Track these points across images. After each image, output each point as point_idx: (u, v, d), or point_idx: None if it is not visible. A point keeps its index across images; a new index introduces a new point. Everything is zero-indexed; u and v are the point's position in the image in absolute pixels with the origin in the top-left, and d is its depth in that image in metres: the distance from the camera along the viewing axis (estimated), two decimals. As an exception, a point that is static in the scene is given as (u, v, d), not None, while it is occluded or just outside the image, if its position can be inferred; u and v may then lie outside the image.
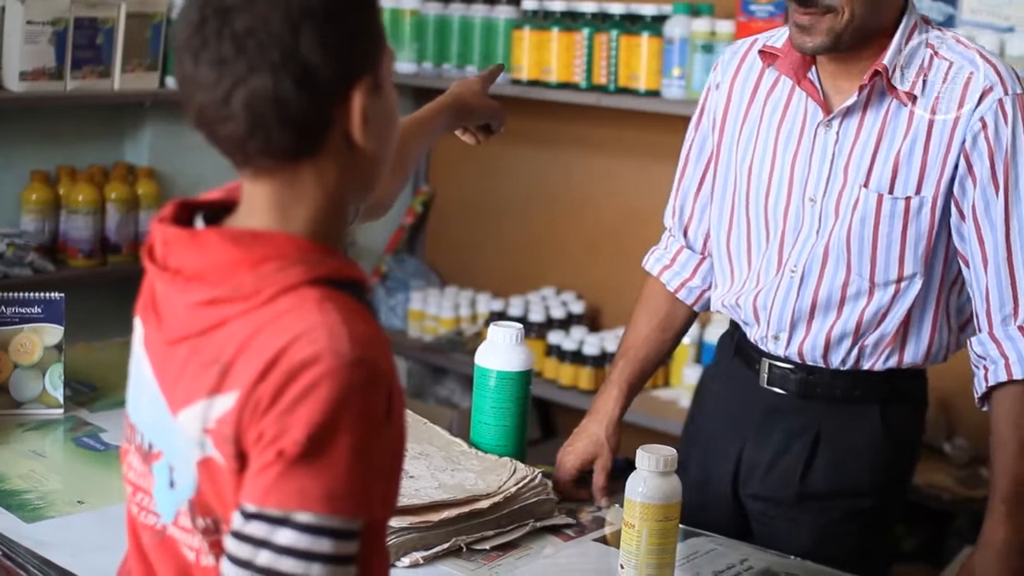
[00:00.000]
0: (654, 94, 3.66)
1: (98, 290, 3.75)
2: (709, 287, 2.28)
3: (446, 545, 1.86)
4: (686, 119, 3.76)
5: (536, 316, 4.07)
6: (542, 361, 3.99)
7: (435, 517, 1.86)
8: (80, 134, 3.94)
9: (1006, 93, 1.92)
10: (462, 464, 2.06)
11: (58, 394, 2.34)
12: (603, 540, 1.98)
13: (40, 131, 3.85)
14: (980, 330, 1.99)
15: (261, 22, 1.19)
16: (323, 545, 1.15)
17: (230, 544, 1.18)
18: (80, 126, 3.93)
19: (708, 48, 3.53)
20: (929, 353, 2.07)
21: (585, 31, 3.77)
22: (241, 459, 1.19)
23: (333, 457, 1.15)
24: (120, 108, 3.94)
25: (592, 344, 3.91)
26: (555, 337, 3.98)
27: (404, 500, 1.88)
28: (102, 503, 1.95)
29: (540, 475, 2.02)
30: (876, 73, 1.95)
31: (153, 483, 1.30)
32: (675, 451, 1.78)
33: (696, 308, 2.33)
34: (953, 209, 1.97)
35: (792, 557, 1.97)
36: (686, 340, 3.86)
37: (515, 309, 4.13)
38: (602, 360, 3.90)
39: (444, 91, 2.12)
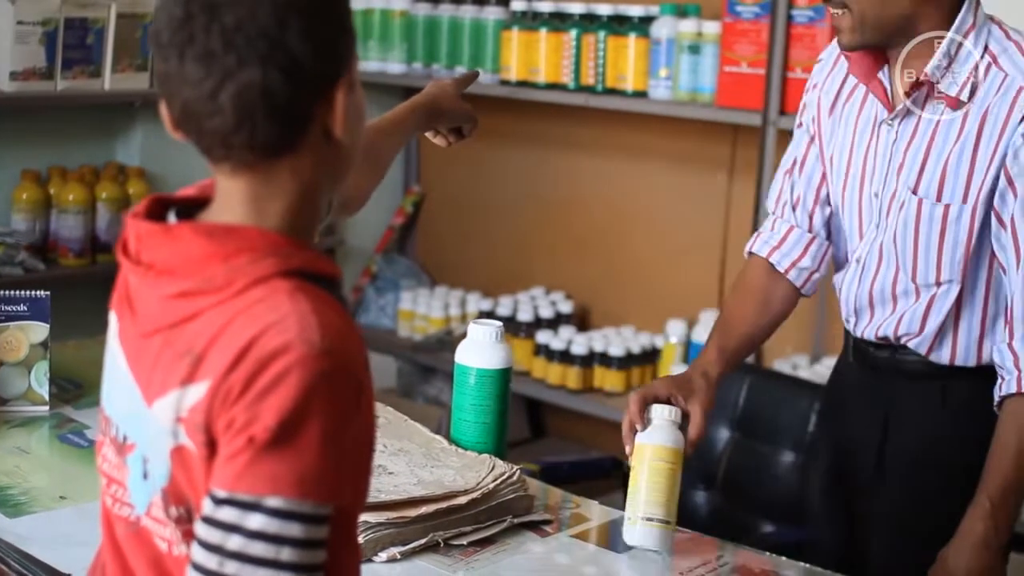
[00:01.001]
0: (641, 95, 3.68)
1: (88, 289, 3.76)
2: (818, 268, 2.25)
3: (423, 540, 1.87)
4: (673, 119, 3.81)
5: (524, 316, 4.10)
6: (530, 361, 4.01)
7: (412, 513, 1.88)
8: (71, 134, 3.96)
9: None
10: (442, 461, 2.08)
11: (43, 391, 2.35)
12: (580, 536, 2.00)
13: (31, 131, 3.87)
14: (1004, 340, 2.01)
15: (249, 16, 1.21)
16: (293, 529, 1.17)
17: (200, 529, 1.19)
18: (71, 126, 3.95)
19: (695, 49, 3.56)
20: (980, 356, 2.08)
21: (573, 32, 3.80)
22: (211, 446, 1.21)
23: (303, 443, 1.17)
24: (111, 108, 3.96)
25: (580, 344, 3.93)
26: (543, 337, 4.00)
27: (382, 496, 1.90)
28: (84, 499, 1.96)
29: (519, 471, 2.04)
30: (919, 83, 1.99)
31: (127, 474, 1.32)
32: (678, 408, 1.98)
33: (804, 291, 2.26)
34: (994, 219, 1.99)
35: (767, 554, 1.98)
36: (673, 339, 3.90)
37: (504, 308, 4.15)
38: (590, 360, 3.93)
39: None
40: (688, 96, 3.59)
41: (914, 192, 2.03)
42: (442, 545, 1.89)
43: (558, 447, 4.13)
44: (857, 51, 2.05)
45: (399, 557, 1.85)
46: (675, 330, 3.92)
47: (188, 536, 1.25)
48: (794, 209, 2.25)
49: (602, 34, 3.73)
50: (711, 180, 3.92)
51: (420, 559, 1.86)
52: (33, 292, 2.38)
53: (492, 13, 4.05)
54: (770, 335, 2.32)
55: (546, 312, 4.11)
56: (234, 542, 1.17)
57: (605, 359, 3.91)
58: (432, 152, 4.70)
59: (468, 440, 2.16)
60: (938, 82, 1.97)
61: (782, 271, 2.25)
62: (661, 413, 1.98)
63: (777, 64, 3.37)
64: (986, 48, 1.97)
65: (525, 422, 4.30)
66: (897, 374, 2.16)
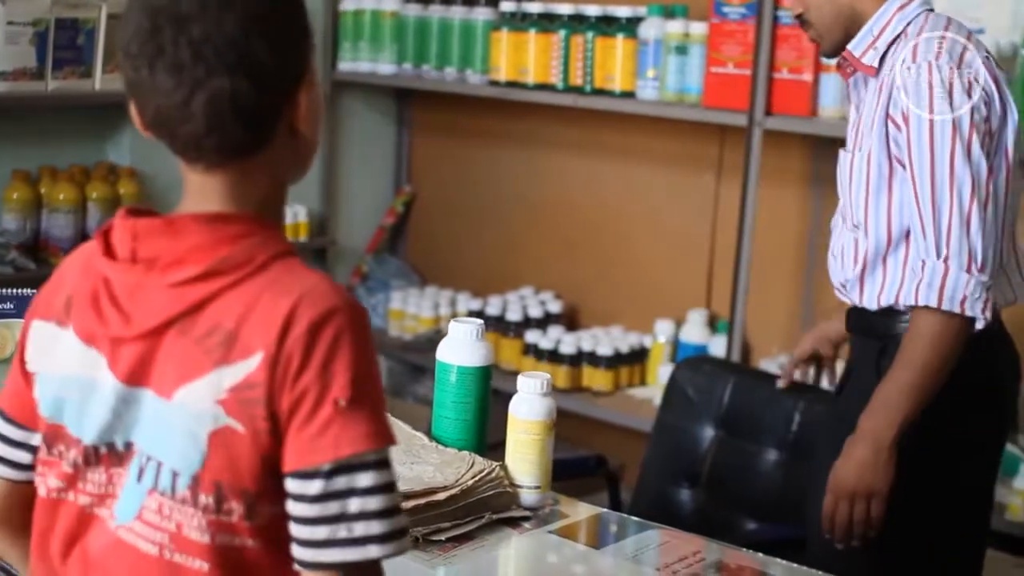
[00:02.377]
0: (629, 95, 3.70)
1: (78, 288, 3.78)
2: None
3: (402, 536, 1.89)
4: (661, 120, 3.83)
5: (513, 315, 4.11)
6: (519, 360, 4.03)
7: (391, 508, 1.89)
8: (62, 134, 3.97)
9: (914, 62, 2.18)
10: (422, 457, 2.09)
11: (28, 389, 2.36)
12: (560, 533, 2.01)
13: (21, 131, 3.88)
14: (914, 260, 2.23)
15: (216, 28, 1.27)
16: (389, 475, 1.27)
17: (308, 509, 1.25)
18: (62, 126, 3.96)
19: (682, 49, 3.57)
20: (898, 295, 2.27)
21: (561, 32, 3.81)
22: (273, 420, 1.26)
23: (373, 393, 1.27)
24: (102, 108, 3.97)
25: (568, 343, 3.95)
26: (532, 336, 4.02)
27: (361, 492, 1.91)
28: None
29: (498, 468, 2.05)
30: (843, 58, 2.32)
31: (123, 482, 1.33)
32: (549, 376, 2.10)
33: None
34: (897, 165, 2.23)
35: (744, 549, 2.00)
36: (661, 339, 3.92)
37: (493, 308, 4.16)
38: (578, 359, 3.94)
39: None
40: (675, 97, 3.61)
41: (843, 148, 2.35)
42: (420, 541, 1.90)
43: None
44: (836, 56, 2.36)
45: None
46: (663, 330, 3.94)
47: (215, 526, 1.28)
48: None
49: (590, 35, 3.75)
50: (699, 180, 3.94)
51: (398, 554, 1.87)
52: (20, 290, 2.39)
53: (481, 14, 4.07)
54: None
55: (535, 312, 4.13)
56: (354, 504, 1.24)
57: (593, 359, 3.92)
58: (423, 153, 4.73)
59: (449, 437, 2.17)
60: (861, 56, 2.28)
61: None
62: (531, 387, 2.07)
63: (763, 65, 3.38)
64: (905, 28, 2.25)
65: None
66: (855, 330, 2.41)
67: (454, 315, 4.37)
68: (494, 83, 3.99)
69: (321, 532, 1.25)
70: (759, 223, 3.54)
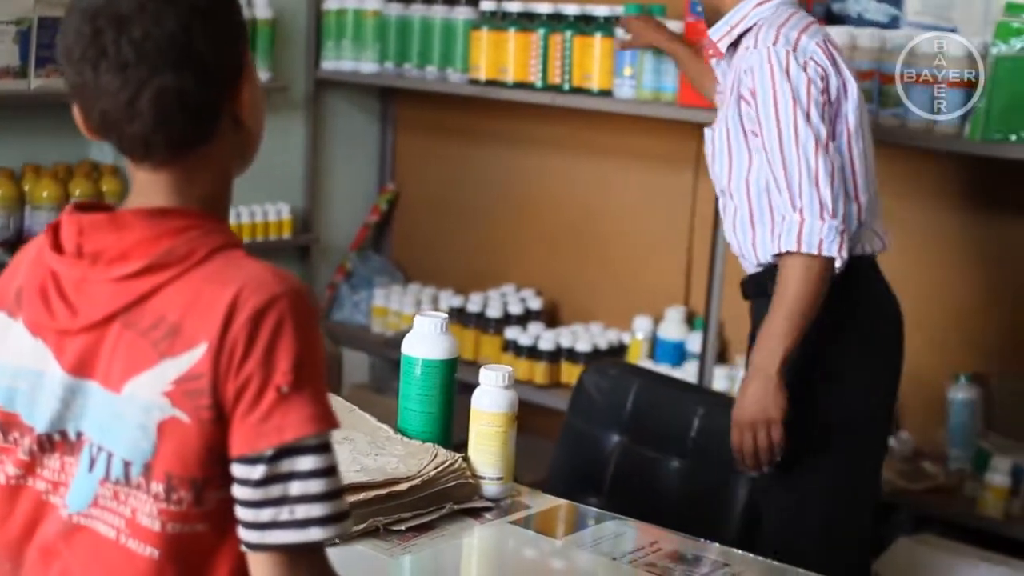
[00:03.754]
0: (606, 94, 3.72)
1: (61, 285, 3.81)
2: None
3: (363, 526, 1.92)
4: (637, 119, 3.86)
5: (493, 312, 4.14)
6: (499, 356, 4.06)
7: (352, 498, 1.92)
8: (45, 132, 4.00)
9: (755, 47, 2.53)
10: (386, 449, 2.12)
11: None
12: (519, 523, 2.04)
13: (4, 129, 3.91)
14: (776, 213, 2.54)
15: (156, 26, 1.30)
16: (331, 459, 1.30)
17: (253, 493, 1.28)
18: (45, 124, 3.99)
19: (659, 49, 3.59)
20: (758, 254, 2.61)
21: (540, 31, 3.84)
22: (217, 409, 1.28)
23: (314, 379, 1.30)
24: (85, 106, 4.00)
25: (547, 340, 3.98)
26: (512, 333, 4.05)
27: (324, 482, 1.94)
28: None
29: (460, 459, 2.08)
30: (703, 42, 2.78)
31: (76, 470, 1.36)
32: (511, 369, 2.15)
33: None
34: (752, 137, 2.56)
35: (701, 539, 2.03)
36: (639, 335, 3.95)
37: (474, 305, 4.19)
38: (557, 355, 3.97)
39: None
40: (652, 95, 3.64)
41: (707, 126, 2.71)
42: (381, 530, 1.93)
43: (528, 442, 4.16)
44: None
45: (337, 541, 1.87)
46: (641, 326, 3.97)
47: (165, 513, 1.31)
48: None
49: (568, 34, 3.78)
50: (677, 178, 3.97)
51: (359, 544, 1.90)
52: None
53: (462, 13, 4.10)
54: None
55: (515, 309, 4.16)
56: (296, 488, 1.27)
57: (572, 355, 3.95)
58: (407, 151, 4.76)
59: (414, 429, 2.20)
60: (718, 41, 2.65)
61: None
62: (493, 379, 2.10)
63: (737, 63, 3.41)
64: (758, 22, 2.57)
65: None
66: (747, 294, 2.73)
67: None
68: (474, 82, 4.02)
69: (265, 515, 1.28)
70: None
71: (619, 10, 3.74)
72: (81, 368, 1.34)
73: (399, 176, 4.80)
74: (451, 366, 2.21)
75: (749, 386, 2.50)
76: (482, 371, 2.13)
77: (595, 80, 3.73)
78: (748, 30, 2.59)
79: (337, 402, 2.32)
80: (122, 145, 1.35)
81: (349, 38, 4.39)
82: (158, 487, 1.31)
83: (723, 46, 2.65)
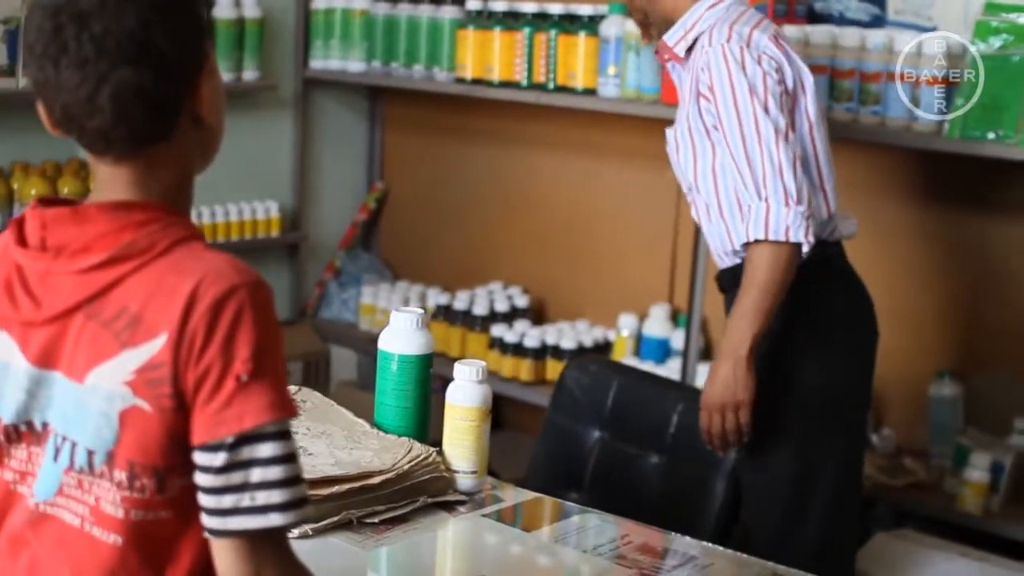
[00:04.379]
0: (591, 92, 3.75)
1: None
2: None
3: (336, 518, 1.94)
4: (622, 117, 3.88)
5: (480, 310, 4.16)
6: (485, 354, 4.08)
7: (325, 491, 1.95)
8: (34, 130, 3.97)
9: (710, 45, 2.59)
10: (362, 443, 2.14)
11: None
12: (493, 516, 2.06)
13: (-7, 127, 3.93)
14: (743, 203, 2.58)
15: (115, 23, 1.32)
16: (290, 446, 1.33)
17: (215, 480, 1.30)
18: (33, 122, 3.95)
19: (641, 47, 3.62)
20: (730, 244, 2.67)
21: (526, 31, 3.86)
22: (178, 398, 1.31)
23: (273, 368, 1.32)
24: (73, 104, 4.02)
25: (533, 337, 4.00)
26: (498, 330, 4.07)
27: (298, 475, 1.96)
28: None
29: (434, 453, 2.11)
30: (661, 47, 2.74)
31: (42, 460, 1.39)
32: (485, 364, 2.19)
33: None
34: (714, 132, 2.61)
35: (672, 533, 2.05)
36: (624, 333, 3.97)
37: (460, 303, 4.22)
38: (542, 353, 4.00)
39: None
40: (635, 94, 3.66)
41: (671, 126, 2.76)
42: (355, 523, 1.95)
43: (513, 438, 4.19)
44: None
45: (311, 533, 1.91)
46: (627, 323, 3.99)
47: (128, 501, 1.34)
48: None
49: (553, 33, 3.80)
50: (662, 177, 3.96)
51: (332, 536, 1.92)
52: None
53: (448, 12, 4.13)
54: None
55: (502, 306, 4.18)
56: (256, 474, 1.30)
57: (557, 352, 3.98)
58: (395, 149, 4.78)
59: (390, 424, 2.22)
60: (674, 46, 2.68)
61: None
62: (467, 374, 2.13)
63: (719, 62, 3.43)
64: (710, 34, 2.61)
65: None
66: (722, 288, 2.79)
67: (424, 310, 4.42)
68: (460, 80, 4.05)
69: (227, 501, 1.31)
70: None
71: (602, 9, 3.76)
72: (46, 359, 1.37)
73: (388, 174, 4.82)
74: (427, 361, 2.23)
75: (719, 369, 2.56)
76: (456, 366, 2.15)
77: (579, 79, 3.76)
78: (703, 32, 2.64)
79: (316, 397, 2.34)
80: (83, 140, 1.37)
81: (337, 37, 4.42)
82: (121, 475, 1.34)
83: (681, 50, 2.69)
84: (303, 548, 1.86)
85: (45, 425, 1.39)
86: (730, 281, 2.71)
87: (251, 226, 4.42)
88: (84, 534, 1.37)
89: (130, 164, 1.38)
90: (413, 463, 2.06)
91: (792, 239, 2.50)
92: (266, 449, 1.31)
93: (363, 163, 4.83)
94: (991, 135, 3.08)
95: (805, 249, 2.53)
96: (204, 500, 1.32)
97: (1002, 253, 3.46)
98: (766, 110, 2.54)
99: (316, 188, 4.72)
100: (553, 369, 3.97)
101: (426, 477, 2.07)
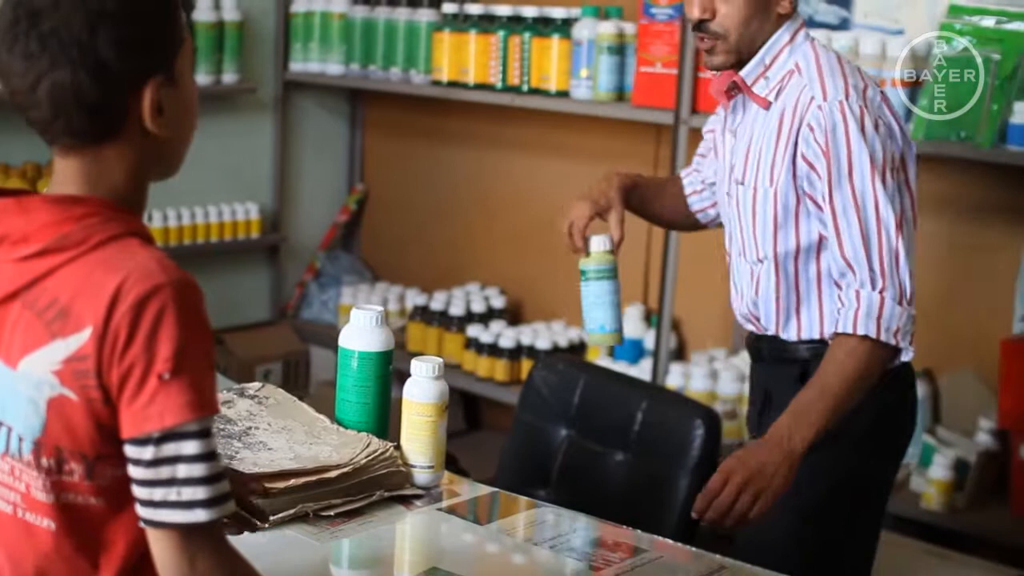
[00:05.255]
0: (564, 94, 3.79)
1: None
2: (712, 207, 2.62)
3: (292, 511, 1.97)
4: (594, 119, 3.92)
5: (456, 310, 4.20)
6: (461, 354, 4.11)
7: (282, 484, 1.98)
8: (15, 131, 4.02)
9: (825, 100, 2.23)
10: (322, 438, 2.18)
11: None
12: (449, 510, 2.09)
13: (-26, 128, 3.97)
14: (843, 288, 2.25)
15: (63, 24, 1.37)
16: (211, 444, 1.37)
17: (145, 472, 1.35)
18: (16, 124, 4.00)
19: (613, 50, 3.66)
20: (822, 328, 2.32)
21: (500, 33, 3.90)
22: (104, 391, 1.35)
23: (195, 365, 1.35)
24: (54, 106, 4.05)
25: (508, 337, 4.03)
26: (474, 330, 4.10)
27: (255, 468, 2.00)
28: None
29: (392, 448, 2.14)
30: (734, 84, 2.33)
31: None
32: (442, 360, 2.17)
33: (698, 218, 2.66)
34: (810, 202, 2.27)
35: (625, 527, 2.08)
36: (599, 334, 4.00)
37: (437, 303, 4.25)
38: (518, 353, 4.03)
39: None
40: (607, 96, 3.70)
41: (739, 182, 2.36)
42: (311, 516, 1.99)
43: (491, 439, 4.22)
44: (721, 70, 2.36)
45: (267, 526, 1.94)
46: (601, 324, 4.01)
47: (56, 487, 1.39)
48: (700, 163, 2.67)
49: (527, 35, 3.84)
50: (636, 178, 4.02)
51: (288, 529, 1.95)
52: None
53: (425, 15, 4.17)
54: (663, 212, 2.70)
55: (478, 307, 4.21)
56: (182, 470, 1.35)
57: (532, 352, 4.01)
58: (376, 151, 4.81)
59: (350, 420, 2.25)
60: (753, 84, 2.30)
61: (687, 193, 2.66)
62: (423, 370, 2.16)
63: (689, 64, 3.47)
64: (795, 62, 2.28)
65: (460, 415, 4.40)
66: (770, 359, 2.42)
67: (403, 310, 4.46)
68: (436, 83, 4.08)
69: (157, 494, 1.35)
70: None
71: (576, 12, 3.80)
72: None
73: (368, 176, 4.86)
74: (386, 358, 2.26)
75: (762, 451, 2.15)
76: (413, 362, 2.18)
77: (553, 81, 3.80)
78: (789, 72, 2.29)
79: (280, 394, 2.37)
80: (32, 127, 1.43)
81: (316, 40, 4.46)
82: (49, 461, 1.39)
83: (763, 92, 2.30)
84: (259, 540, 1.92)
85: None
86: (772, 353, 2.41)
87: (231, 228, 4.45)
88: (18, 520, 1.41)
89: (76, 158, 1.42)
90: (370, 458, 2.09)
91: (900, 343, 2.21)
92: (189, 447, 1.35)
93: (343, 165, 4.86)
94: (954, 136, 3.12)
95: (905, 358, 2.25)
96: (137, 491, 1.37)
97: (967, 253, 3.49)
98: (884, 185, 2.20)
99: (296, 190, 4.76)
100: (528, 369, 4.00)
101: (383, 471, 2.10)
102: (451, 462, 2.25)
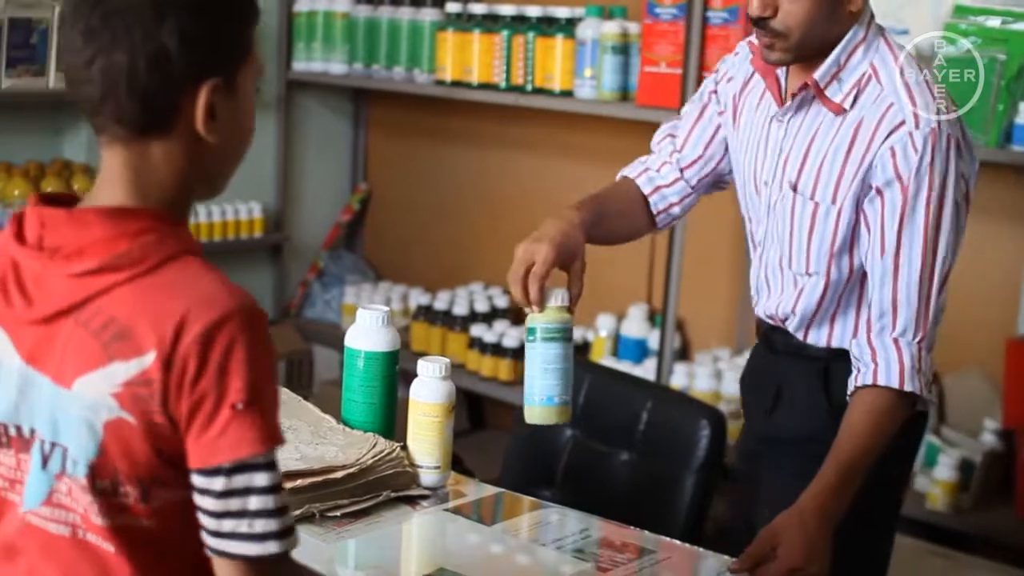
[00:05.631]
0: (568, 94, 3.78)
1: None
2: (679, 204, 2.39)
3: (299, 512, 1.96)
4: (598, 119, 3.91)
5: (460, 310, 4.19)
6: (465, 353, 4.11)
7: (288, 485, 1.97)
8: (17, 130, 4.06)
9: (917, 127, 2.04)
10: (328, 438, 2.18)
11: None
12: (455, 510, 2.09)
13: (-24, 127, 3.97)
14: (859, 331, 2.15)
15: (131, 6, 1.34)
16: (279, 474, 1.36)
17: (215, 503, 1.33)
18: (17, 123, 4.05)
19: (618, 49, 3.66)
20: (853, 336, 2.18)
21: (504, 33, 3.90)
22: (170, 419, 1.32)
23: (265, 395, 1.34)
24: (57, 106, 4.06)
25: (512, 337, 4.03)
26: (477, 330, 4.10)
27: (261, 470, 2.00)
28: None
29: (398, 448, 2.14)
30: (806, 85, 2.12)
31: (29, 468, 1.40)
32: (449, 361, 2.12)
33: (657, 221, 2.41)
34: (862, 223, 2.12)
35: (631, 527, 2.08)
36: (603, 333, 4.00)
37: (441, 303, 4.25)
38: (521, 353, 4.01)
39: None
40: (611, 95, 3.70)
41: (793, 188, 2.17)
42: (317, 516, 1.99)
43: (494, 438, 4.22)
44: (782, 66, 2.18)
45: (273, 527, 1.94)
46: (605, 324, 4.02)
47: (112, 509, 1.36)
48: (679, 151, 2.39)
49: (531, 35, 3.84)
50: (640, 178, 4.02)
51: (295, 529, 1.95)
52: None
53: (428, 15, 4.17)
54: (619, 237, 2.43)
55: (482, 306, 4.21)
56: (254, 502, 1.33)
57: (536, 352, 4.00)
58: (379, 151, 4.81)
59: (356, 420, 2.25)
60: (825, 87, 2.11)
61: (646, 193, 2.39)
62: (431, 371, 2.15)
63: (693, 64, 3.47)
64: (871, 63, 2.10)
65: (464, 414, 4.40)
66: (786, 353, 2.29)
67: (406, 310, 4.46)
68: (440, 82, 4.08)
69: (226, 525, 1.33)
70: (696, 218, 3.61)
71: (580, 11, 3.80)
72: (35, 360, 1.38)
73: (371, 176, 4.85)
74: (392, 358, 2.27)
75: (812, 527, 1.98)
76: (420, 362, 2.18)
77: (556, 81, 3.79)
78: (865, 77, 2.11)
79: (286, 393, 2.36)
80: (80, 107, 1.39)
81: (319, 39, 4.45)
82: (104, 484, 1.35)
83: (837, 97, 2.11)
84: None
85: (32, 431, 1.39)
86: (795, 348, 2.28)
87: (234, 227, 4.45)
88: (78, 541, 1.38)
89: (122, 152, 1.38)
90: (376, 458, 2.09)
91: (926, 395, 2.09)
92: (261, 478, 1.33)
93: (346, 164, 4.86)
94: (960, 137, 3.12)
95: (922, 408, 2.15)
96: (204, 520, 1.35)
97: (973, 253, 3.48)
98: (951, 224, 2.07)
99: (299, 189, 4.76)
100: (532, 369, 4.00)
101: (390, 472, 2.10)
102: (456, 462, 2.24)
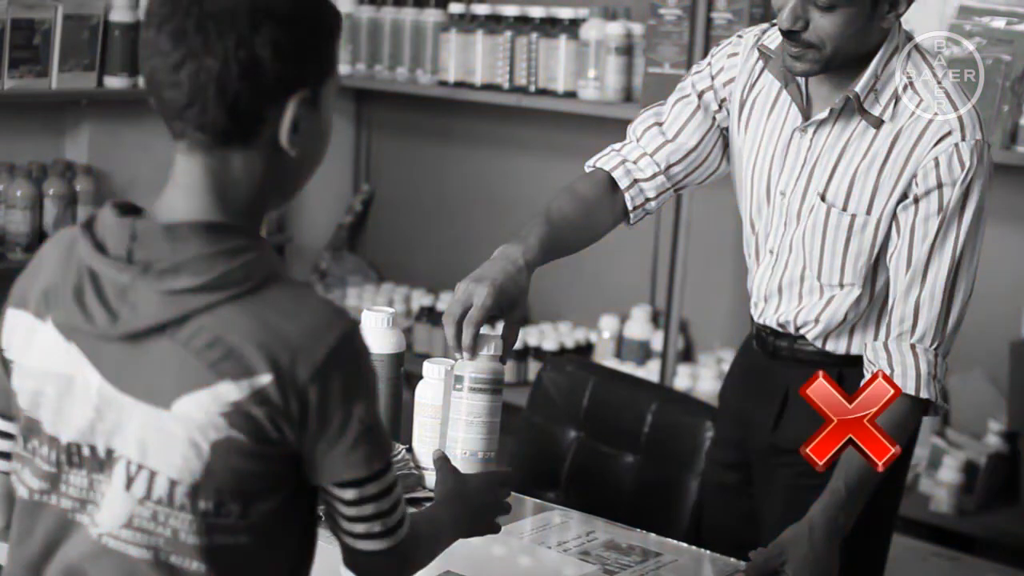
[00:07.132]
0: (571, 95, 3.78)
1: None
2: (655, 200, 2.29)
3: (304, 514, 1.96)
4: (601, 120, 3.91)
5: (463, 311, 4.18)
6: (467, 354, 4.10)
7: (293, 488, 1.97)
8: (20, 131, 4.05)
9: (963, 139, 2.02)
10: (332, 441, 2.17)
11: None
12: (460, 512, 2.09)
13: (-22, 128, 3.96)
14: (877, 337, 2.12)
15: (227, 10, 1.32)
16: (395, 469, 1.45)
17: (350, 510, 1.41)
18: (19, 123, 4.04)
19: (621, 50, 3.66)
20: (866, 350, 2.15)
21: (507, 34, 3.90)
22: (285, 437, 1.34)
23: (378, 407, 1.41)
24: (59, 106, 4.05)
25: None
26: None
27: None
28: None
29: (403, 451, 2.13)
30: (847, 99, 2.07)
31: (109, 489, 1.35)
32: (453, 363, 2.02)
33: (632, 215, 2.31)
34: (892, 225, 2.09)
35: (638, 530, 2.08)
36: (606, 334, 4.00)
37: (444, 304, 4.24)
38: (524, 354, 4.02)
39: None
40: (615, 96, 3.69)
41: (823, 199, 2.12)
42: (322, 519, 1.97)
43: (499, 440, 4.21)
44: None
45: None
46: (608, 325, 4.02)
47: (212, 528, 1.34)
48: (671, 140, 2.27)
49: (534, 36, 3.84)
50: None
51: (300, 532, 1.94)
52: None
53: (431, 16, 4.16)
54: (580, 247, 2.38)
55: (484, 308, 4.19)
56: (385, 503, 1.42)
57: (539, 353, 4.00)
58: (382, 152, 4.80)
59: (361, 422, 2.24)
60: (863, 99, 2.06)
61: (623, 187, 2.29)
62: (435, 372, 2.15)
63: (696, 65, 3.46)
64: (906, 73, 2.07)
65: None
66: (794, 361, 2.24)
67: (408, 311, 4.45)
68: (443, 83, 4.08)
69: (358, 528, 1.42)
70: (700, 220, 3.61)
71: (583, 13, 3.80)
72: (121, 379, 1.34)
73: (374, 177, 4.85)
74: (397, 360, 2.26)
75: (819, 542, 1.99)
76: (425, 364, 2.17)
77: (560, 82, 3.79)
78: (901, 89, 2.07)
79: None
80: (162, 111, 1.36)
81: (322, 40, 4.44)
82: (207, 504, 1.33)
83: (876, 109, 2.07)
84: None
85: (110, 452, 1.35)
86: (788, 351, 2.25)
87: (236, 228, 4.44)
88: (160, 563, 1.34)
89: (202, 158, 1.36)
90: (382, 460, 2.09)
91: (939, 402, 2.08)
92: (388, 479, 1.41)
93: (349, 165, 4.86)
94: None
95: (938, 413, 2.13)
96: (341, 523, 1.44)
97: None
98: (977, 241, 2.06)
99: (302, 190, 4.74)
100: (535, 370, 3.99)
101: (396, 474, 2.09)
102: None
